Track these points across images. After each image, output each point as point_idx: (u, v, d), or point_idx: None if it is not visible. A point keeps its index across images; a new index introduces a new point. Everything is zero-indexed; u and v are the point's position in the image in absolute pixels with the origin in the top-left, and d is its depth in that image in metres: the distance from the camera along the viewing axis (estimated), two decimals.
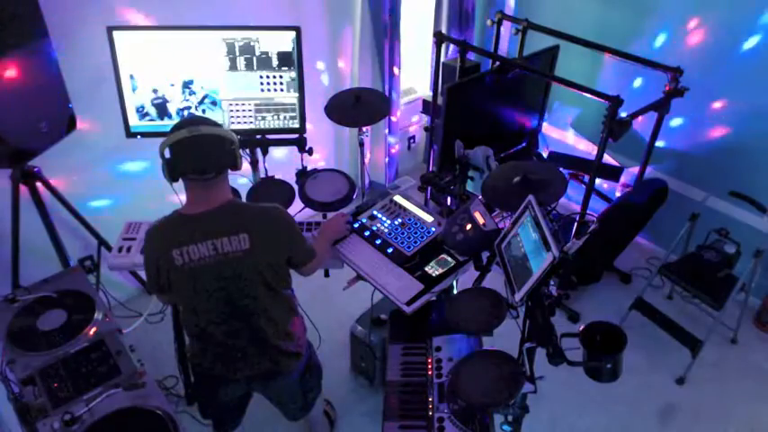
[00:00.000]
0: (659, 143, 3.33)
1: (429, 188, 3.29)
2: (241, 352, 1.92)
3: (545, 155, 3.90)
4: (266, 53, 2.40)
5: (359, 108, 2.49)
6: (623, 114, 2.78)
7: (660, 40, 3.34)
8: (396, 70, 3.79)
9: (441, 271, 2.12)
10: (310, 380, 2.20)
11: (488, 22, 3.75)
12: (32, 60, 2.24)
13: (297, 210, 2.41)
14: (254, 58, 2.40)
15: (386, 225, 2.32)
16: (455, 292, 2.40)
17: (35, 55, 2.24)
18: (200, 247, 1.73)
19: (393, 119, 4.02)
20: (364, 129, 2.60)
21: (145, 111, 2.42)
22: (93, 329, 2.03)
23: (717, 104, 3.24)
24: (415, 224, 2.31)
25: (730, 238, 3.00)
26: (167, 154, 1.70)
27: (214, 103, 2.46)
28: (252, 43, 2.37)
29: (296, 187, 2.51)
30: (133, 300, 3.29)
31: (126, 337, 2.07)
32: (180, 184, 1.77)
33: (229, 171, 1.79)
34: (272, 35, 2.38)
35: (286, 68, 2.43)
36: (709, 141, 3.35)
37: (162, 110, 2.43)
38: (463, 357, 1.79)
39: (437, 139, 3.33)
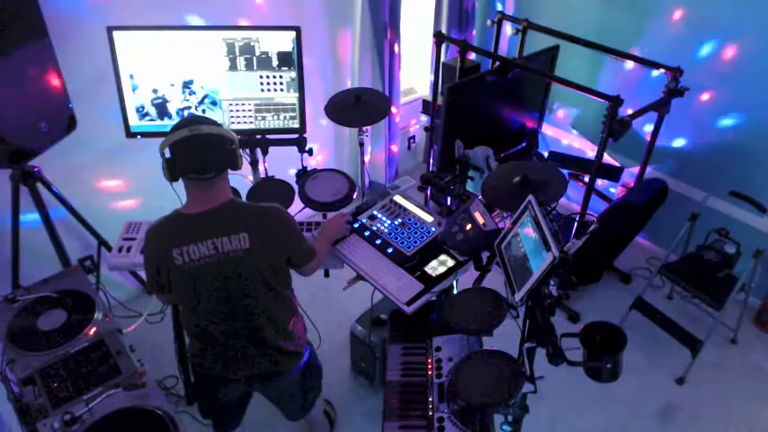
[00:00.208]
0: (659, 143, 3.33)
1: (429, 188, 3.29)
2: (241, 352, 1.92)
3: (545, 155, 3.90)
4: (266, 53, 2.40)
5: (359, 108, 2.49)
6: (629, 111, 2.77)
7: (660, 39, 3.34)
8: (396, 70, 3.79)
9: (441, 271, 2.12)
10: (310, 380, 2.20)
11: (488, 23, 3.76)
12: (32, 60, 2.24)
13: (297, 210, 2.41)
14: (254, 58, 2.40)
15: (386, 225, 2.32)
16: (455, 292, 2.40)
17: (35, 55, 2.24)
18: (201, 246, 1.73)
19: (395, 119, 4.03)
20: (364, 129, 2.60)
21: (145, 111, 2.42)
22: (93, 329, 2.03)
23: (718, 106, 3.24)
24: (415, 224, 2.31)
25: (730, 238, 3.00)
26: (167, 154, 1.70)
27: (214, 103, 2.46)
28: (252, 43, 2.37)
29: (296, 187, 2.51)
30: (133, 300, 3.29)
31: (126, 337, 2.07)
32: (180, 184, 1.77)
33: (230, 171, 1.80)
34: (272, 35, 2.38)
35: (286, 68, 2.43)
36: (709, 141, 3.35)
37: (162, 110, 2.43)
38: (463, 357, 1.79)
39: (437, 139, 3.34)
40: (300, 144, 2.58)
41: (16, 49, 2.14)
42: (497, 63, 3.34)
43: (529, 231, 1.69)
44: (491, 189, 2.07)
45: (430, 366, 2.14)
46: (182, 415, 2.67)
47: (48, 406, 1.77)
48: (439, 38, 3.40)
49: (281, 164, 2.78)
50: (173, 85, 2.39)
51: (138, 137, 2.46)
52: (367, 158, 4.12)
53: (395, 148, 4.17)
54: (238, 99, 2.47)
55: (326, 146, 3.97)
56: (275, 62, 2.42)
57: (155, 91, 2.39)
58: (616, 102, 2.68)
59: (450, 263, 2.14)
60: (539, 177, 2.00)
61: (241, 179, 2.60)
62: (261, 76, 2.44)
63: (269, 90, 2.47)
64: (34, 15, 2.20)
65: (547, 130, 4.11)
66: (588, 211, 3.16)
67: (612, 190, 3.86)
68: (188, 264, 1.74)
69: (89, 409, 1.76)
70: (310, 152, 2.60)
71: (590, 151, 3.93)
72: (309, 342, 2.17)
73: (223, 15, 2.98)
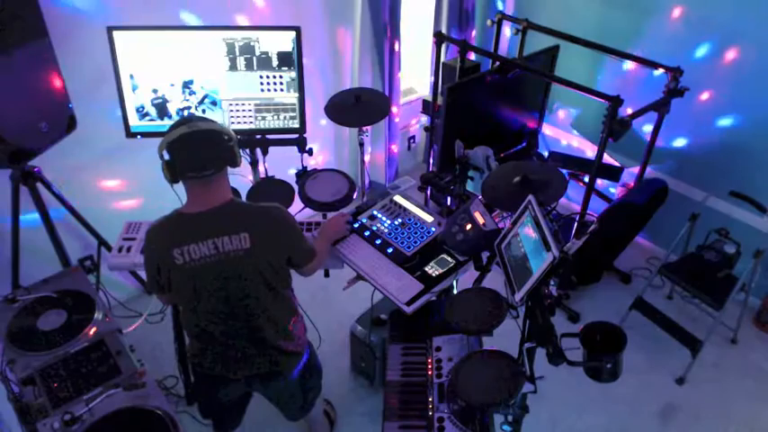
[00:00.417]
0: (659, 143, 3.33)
1: (429, 188, 3.30)
2: (241, 352, 1.92)
3: (545, 155, 3.90)
4: (266, 53, 2.40)
5: (359, 108, 2.49)
6: (629, 111, 2.77)
7: (660, 39, 3.34)
8: (396, 70, 3.79)
9: (441, 271, 2.12)
10: (310, 380, 2.20)
11: (488, 23, 3.75)
12: (32, 60, 2.24)
13: (297, 210, 2.41)
14: (254, 58, 2.40)
15: (386, 225, 2.32)
16: (455, 292, 2.40)
17: (35, 55, 2.24)
18: (202, 246, 1.73)
19: (395, 119, 4.03)
20: (364, 129, 2.60)
21: (145, 111, 2.42)
22: (93, 329, 2.03)
23: (718, 106, 3.24)
24: (415, 224, 2.31)
25: (730, 238, 3.00)
26: (166, 155, 1.70)
27: (214, 103, 2.46)
28: (252, 43, 2.37)
29: (296, 187, 2.51)
30: (133, 300, 3.29)
31: (126, 337, 2.07)
32: (180, 185, 1.77)
33: (230, 171, 1.79)
34: (272, 35, 2.38)
35: (286, 68, 2.43)
36: (709, 141, 3.35)
37: (162, 110, 2.43)
38: (463, 357, 1.79)
39: (437, 139, 3.34)
40: (300, 144, 2.58)
41: (16, 49, 2.14)
42: (497, 63, 3.34)
43: (529, 231, 1.69)
44: (491, 189, 2.08)
45: (430, 366, 2.14)
46: (182, 415, 2.67)
47: (48, 406, 1.77)
48: (439, 38, 3.40)
49: (281, 164, 2.78)
50: (173, 85, 2.39)
51: (138, 137, 2.46)
52: (367, 158, 4.12)
53: (395, 148, 4.17)
54: (238, 99, 2.47)
55: (326, 146, 3.97)
56: (275, 62, 2.42)
57: (155, 91, 2.39)
58: (616, 102, 2.68)
59: (451, 263, 2.14)
60: (539, 177, 2.01)
61: (241, 179, 2.61)
62: (261, 76, 2.44)
63: (269, 90, 2.47)
64: (34, 15, 2.20)
65: (547, 130, 4.11)
66: (588, 211, 3.16)
67: (612, 190, 3.86)
68: (189, 263, 1.73)
69: (89, 409, 1.76)
70: (310, 152, 2.60)
71: (590, 151, 3.93)
72: (309, 342, 2.17)
73: (223, 15, 2.98)
